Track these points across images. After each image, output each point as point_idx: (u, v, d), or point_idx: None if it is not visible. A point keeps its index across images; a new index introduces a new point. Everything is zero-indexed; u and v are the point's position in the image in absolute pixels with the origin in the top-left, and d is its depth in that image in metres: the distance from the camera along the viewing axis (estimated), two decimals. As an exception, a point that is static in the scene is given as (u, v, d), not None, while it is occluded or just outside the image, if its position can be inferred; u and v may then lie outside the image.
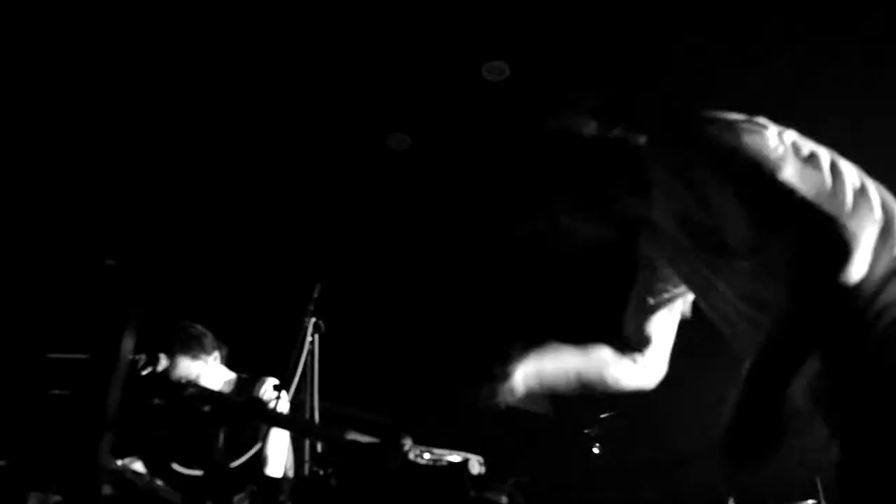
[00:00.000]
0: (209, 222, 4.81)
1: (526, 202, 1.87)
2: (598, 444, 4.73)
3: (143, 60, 3.74)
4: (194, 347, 3.25)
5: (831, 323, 1.45)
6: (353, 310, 4.45)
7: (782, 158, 1.49)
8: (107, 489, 2.49)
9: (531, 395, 1.94)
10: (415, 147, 4.44)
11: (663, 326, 1.98)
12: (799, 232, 1.42)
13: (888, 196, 1.57)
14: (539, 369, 1.93)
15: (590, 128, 1.78)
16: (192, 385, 3.17)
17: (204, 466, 2.89)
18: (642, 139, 1.73)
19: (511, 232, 1.96)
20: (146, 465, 2.92)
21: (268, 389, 3.19)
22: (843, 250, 1.37)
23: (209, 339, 3.33)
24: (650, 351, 1.98)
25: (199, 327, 3.35)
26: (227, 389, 3.27)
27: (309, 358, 2.67)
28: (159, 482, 2.69)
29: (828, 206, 1.42)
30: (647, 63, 3.85)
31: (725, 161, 1.53)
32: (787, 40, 3.69)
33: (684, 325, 2.01)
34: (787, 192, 1.44)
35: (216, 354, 3.31)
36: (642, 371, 1.99)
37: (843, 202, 1.47)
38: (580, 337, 1.99)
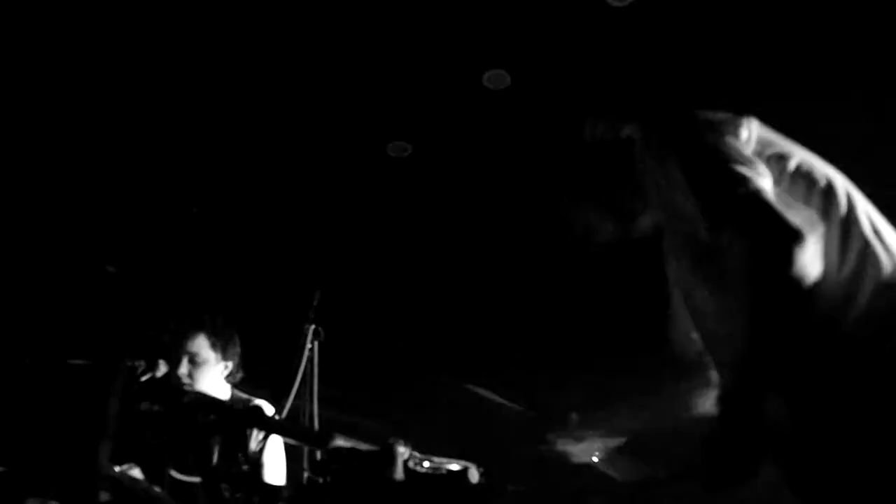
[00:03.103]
0: (209, 227, 4.81)
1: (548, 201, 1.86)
2: (598, 454, 4.71)
3: (147, 65, 3.75)
4: (219, 339, 3.20)
5: (799, 334, 1.42)
6: (353, 317, 4.45)
7: (742, 161, 1.48)
8: (104, 496, 2.48)
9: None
10: (415, 155, 4.45)
11: None
12: (741, 232, 1.41)
13: (858, 197, 1.57)
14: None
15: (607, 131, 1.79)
16: (190, 392, 3.16)
17: (202, 473, 2.88)
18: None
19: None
20: (144, 471, 2.91)
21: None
22: (784, 247, 1.35)
23: (235, 348, 3.27)
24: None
25: (236, 335, 3.28)
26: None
27: (308, 365, 2.67)
28: (157, 489, 2.67)
29: (776, 209, 1.39)
30: (647, 71, 3.86)
31: (684, 157, 1.54)
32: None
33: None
34: (732, 193, 1.43)
35: (228, 365, 3.26)
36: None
37: (802, 208, 1.46)
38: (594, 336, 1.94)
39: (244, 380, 3.35)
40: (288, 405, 2.64)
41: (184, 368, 3.11)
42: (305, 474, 2.61)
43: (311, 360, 2.65)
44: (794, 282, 1.37)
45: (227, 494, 2.48)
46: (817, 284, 1.41)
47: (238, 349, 3.30)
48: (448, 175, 4.57)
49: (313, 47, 3.71)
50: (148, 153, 4.29)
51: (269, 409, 3.16)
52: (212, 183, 4.57)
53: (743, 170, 1.44)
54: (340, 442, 1.88)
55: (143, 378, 2.92)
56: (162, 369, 3.01)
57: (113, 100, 3.94)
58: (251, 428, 3.01)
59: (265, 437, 3.05)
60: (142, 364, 2.91)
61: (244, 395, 3.30)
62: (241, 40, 3.65)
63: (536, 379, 5.30)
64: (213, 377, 3.21)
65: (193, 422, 3.21)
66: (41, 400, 2.67)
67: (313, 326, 2.67)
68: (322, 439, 1.94)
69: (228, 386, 3.29)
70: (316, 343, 2.67)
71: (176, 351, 3.11)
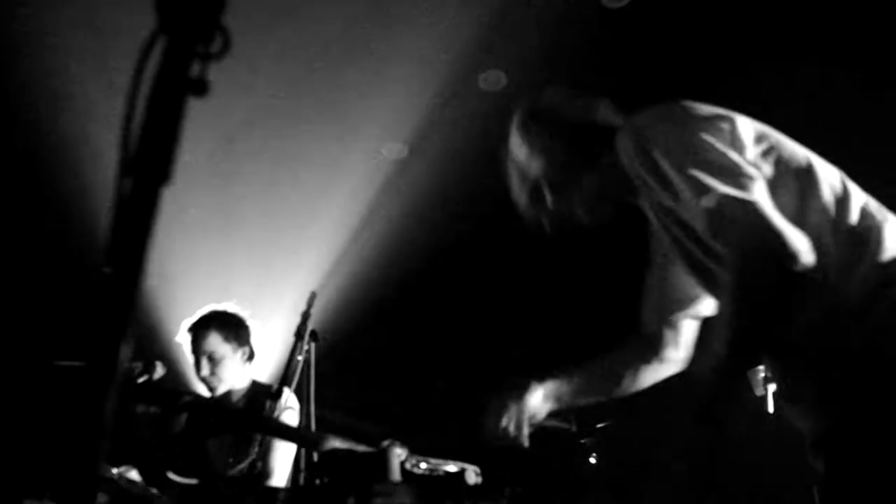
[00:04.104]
0: (207, 230, 4.81)
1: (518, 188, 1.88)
2: (594, 454, 4.72)
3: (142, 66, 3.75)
4: (230, 331, 3.23)
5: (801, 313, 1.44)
6: (350, 319, 4.45)
7: (732, 165, 1.45)
8: (102, 498, 2.48)
9: (552, 414, 1.94)
10: (411, 156, 4.45)
11: (686, 316, 1.91)
12: (737, 245, 1.41)
13: (842, 182, 1.56)
14: (559, 390, 1.91)
15: (579, 114, 1.80)
16: (188, 393, 3.17)
17: (199, 475, 2.88)
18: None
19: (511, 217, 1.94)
20: (141, 473, 2.90)
21: (283, 398, 3.17)
22: (771, 244, 1.37)
23: (247, 332, 3.31)
24: (674, 342, 1.91)
25: (244, 318, 3.33)
26: (240, 389, 3.26)
27: (305, 367, 2.67)
28: (154, 491, 2.67)
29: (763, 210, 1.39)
30: (644, 72, 3.86)
31: (670, 152, 1.52)
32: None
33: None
34: (727, 203, 1.40)
35: (246, 350, 3.30)
36: (665, 365, 1.92)
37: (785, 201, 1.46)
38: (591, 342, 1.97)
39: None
40: (285, 409, 2.64)
41: (205, 370, 3.16)
42: (302, 476, 2.61)
43: (307, 362, 2.64)
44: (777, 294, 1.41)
45: (224, 496, 2.48)
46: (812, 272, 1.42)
47: (248, 330, 3.34)
48: (444, 176, 4.57)
49: (311, 49, 3.71)
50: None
51: (288, 395, 3.19)
52: (212, 184, 4.57)
53: (737, 175, 1.42)
54: (336, 444, 1.88)
55: (140, 380, 2.92)
56: (159, 371, 3.01)
57: (106, 99, 3.94)
58: (248, 429, 3.01)
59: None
60: (139, 366, 2.92)
61: (264, 382, 3.32)
62: (239, 42, 3.65)
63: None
64: (236, 368, 3.24)
65: (190, 423, 3.21)
66: (37, 401, 2.67)
67: (310, 328, 2.67)
68: (318, 441, 1.95)
69: (248, 373, 3.32)
70: (312, 345, 2.67)
71: (195, 355, 3.15)
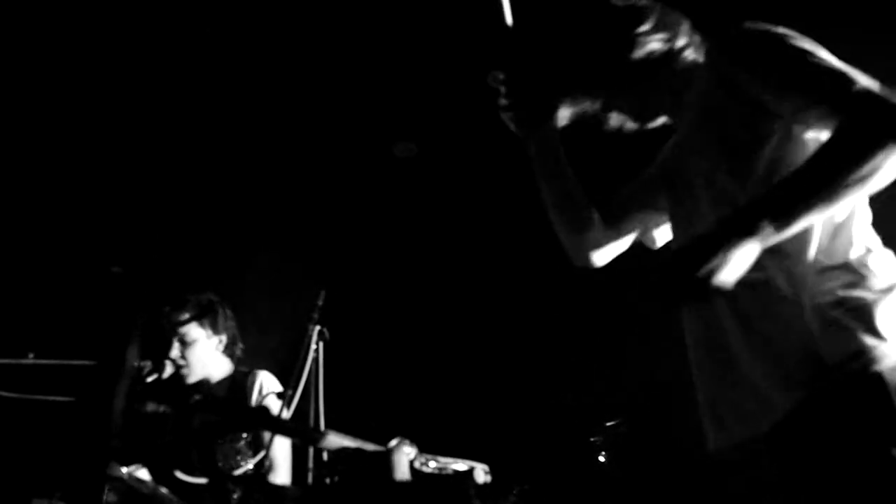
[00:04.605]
0: (213, 229, 4.81)
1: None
2: (604, 453, 4.71)
3: (150, 67, 3.76)
4: (206, 317, 3.22)
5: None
6: (359, 318, 4.45)
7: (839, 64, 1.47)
8: (110, 496, 2.49)
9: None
10: (421, 155, 4.44)
11: (639, 223, 1.93)
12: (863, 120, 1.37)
13: None
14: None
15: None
16: (195, 391, 3.18)
17: (208, 474, 2.89)
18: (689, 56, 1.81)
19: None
20: (150, 472, 2.91)
21: (261, 382, 3.16)
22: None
23: (225, 322, 3.30)
24: (615, 233, 1.92)
25: (226, 309, 3.32)
26: (218, 378, 3.25)
27: (313, 366, 2.66)
28: (163, 490, 2.68)
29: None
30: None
31: (780, 62, 1.53)
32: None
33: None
34: (837, 72, 1.43)
35: (222, 339, 3.28)
36: (596, 238, 1.92)
37: None
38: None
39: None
40: (293, 406, 2.63)
41: (175, 351, 3.13)
42: (311, 474, 2.62)
43: (316, 360, 2.64)
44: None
45: (233, 495, 2.49)
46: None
47: (230, 321, 3.32)
48: (454, 175, 4.57)
49: (319, 48, 3.71)
50: (154, 152, 4.29)
51: (270, 380, 3.18)
52: (218, 182, 4.57)
53: (849, 70, 1.43)
54: (341, 441, 1.88)
55: (149, 379, 2.94)
56: (168, 370, 3.02)
57: (114, 98, 3.94)
58: (254, 428, 3.02)
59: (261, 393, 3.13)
60: (148, 365, 2.93)
61: (244, 369, 3.29)
62: (247, 41, 3.66)
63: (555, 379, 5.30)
64: (208, 354, 3.22)
65: (199, 422, 3.22)
66: (47, 401, 2.68)
67: (318, 327, 2.67)
68: (321, 438, 1.95)
69: (227, 360, 3.30)
70: (321, 344, 2.67)
71: (167, 336, 3.14)
